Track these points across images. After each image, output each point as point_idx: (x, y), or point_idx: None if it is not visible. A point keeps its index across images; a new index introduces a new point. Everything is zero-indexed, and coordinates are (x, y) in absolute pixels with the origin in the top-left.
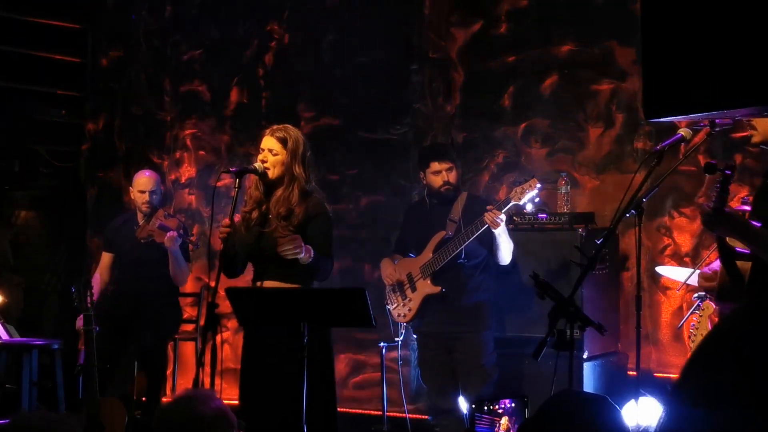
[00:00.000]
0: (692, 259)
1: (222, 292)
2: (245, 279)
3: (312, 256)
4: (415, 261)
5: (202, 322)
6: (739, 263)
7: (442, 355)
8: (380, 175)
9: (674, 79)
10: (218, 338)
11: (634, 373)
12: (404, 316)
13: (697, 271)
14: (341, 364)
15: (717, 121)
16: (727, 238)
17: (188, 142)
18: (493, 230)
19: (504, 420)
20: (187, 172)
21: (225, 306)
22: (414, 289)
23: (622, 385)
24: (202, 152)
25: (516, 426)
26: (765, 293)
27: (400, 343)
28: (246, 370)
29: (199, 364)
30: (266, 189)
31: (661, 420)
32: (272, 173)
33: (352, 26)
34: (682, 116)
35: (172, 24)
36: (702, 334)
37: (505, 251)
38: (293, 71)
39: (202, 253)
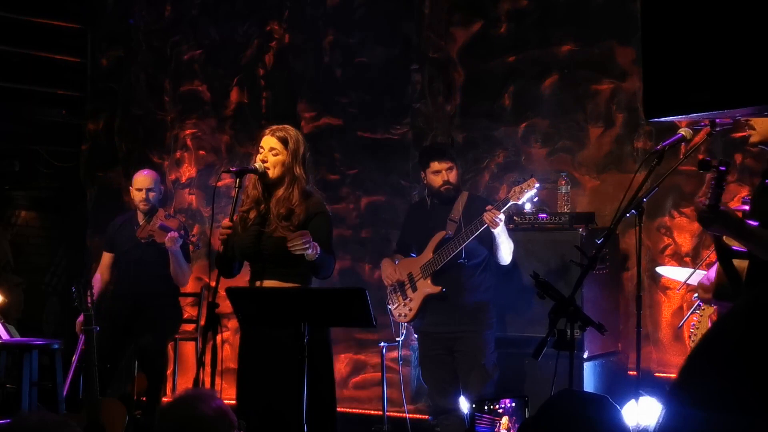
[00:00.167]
0: (692, 259)
1: (222, 292)
2: (244, 279)
3: (318, 252)
4: (416, 261)
5: (202, 322)
6: (736, 262)
7: (443, 355)
8: (380, 175)
9: (674, 79)
10: (218, 338)
11: (635, 373)
12: (405, 316)
13: (698, 271)
14: (341, 364)
15: (717, 120)
16: (724, 237)
17: (188, 142)
18: (492, 230)
19: (504, 420)
20: (188, 172)
21: (225, 306)
22: (415, 289)
23: (623, 385)
24: (202, 152)
25: (516, 426)
26: (760, 291)
27: (400, 343)
28: (243, 370)
29: (200, 364)
30: (266, 189)
31: (661, 420)
32: (273, 173)
33: (352, 26)
34: (683, 116)
35: (172, 24)
36: (702, 334)
37: (505, 251)
38: (293, 71)
39: (202, 253)
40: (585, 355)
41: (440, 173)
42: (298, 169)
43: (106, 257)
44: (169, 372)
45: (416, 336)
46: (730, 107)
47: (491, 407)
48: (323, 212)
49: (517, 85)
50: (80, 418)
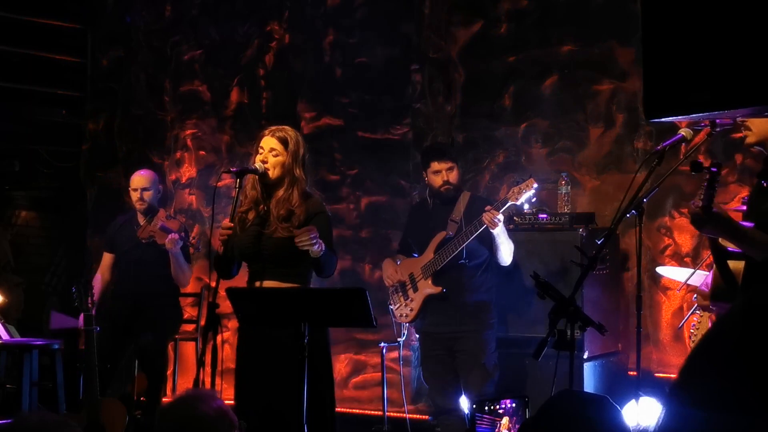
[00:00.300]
0: (692, 259)
1: (222, 293)
2: (244, 279)
3: (323, 249)
4: (417, 261)
5: (202, 322)
6: (732, 263)
7: (444, 355)
8: (380, 176)
9: (674, 79)
10: (219, 338)
11: (635, 373)
12: (406, 316)
13: (698, 272)
14: (342, 364)
15: (717, 121)
16: (720, 239)
17: (188, 142)
18: (492, 230)
19: (505, 420)
20: (188, 172)
21: (225, 306)
22: (416, 290)
23: (623, 385)
24: (202, 152)
25: (517, 426)
26: (756, 292)
27: (401, 343)
28: (242, 370)
29: (200, 364)
30: (265, 189)
31: (661, 420)
32: (273, 174)
33: (352, 26)
34: (683, 116)
35: (172, 24)
36: (702, 334)
37: (505, 252)
38: (293, 71)
39: (202, 254)
40: (585, 356)
41: (440, 173)
42: (298, 171)
43: (107, 257)
44: (169, 372)
45: (417, 336)
46: (730, 107)
47: (492, 407)
48: (323, 212)
49: (518, 85)
50: (80, 418)
